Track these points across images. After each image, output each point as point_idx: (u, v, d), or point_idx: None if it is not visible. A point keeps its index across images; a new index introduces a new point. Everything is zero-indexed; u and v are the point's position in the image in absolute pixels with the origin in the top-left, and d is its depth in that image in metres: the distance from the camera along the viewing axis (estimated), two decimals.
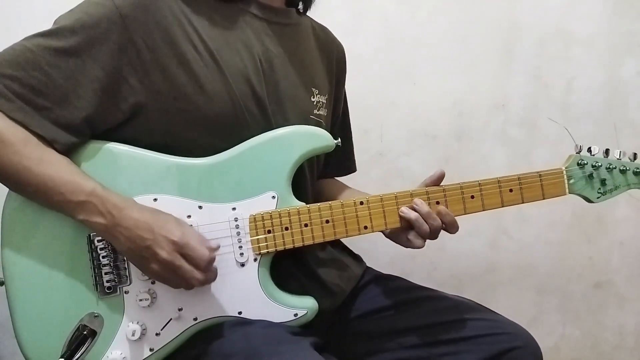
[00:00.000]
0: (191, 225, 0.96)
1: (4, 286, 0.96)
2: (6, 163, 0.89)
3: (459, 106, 1.81)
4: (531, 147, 1.83)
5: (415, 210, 1.03)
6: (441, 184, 1.06)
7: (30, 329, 0.95)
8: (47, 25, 0.95)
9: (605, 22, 1.81)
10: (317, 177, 1.22)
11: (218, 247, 0.96)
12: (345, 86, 1.33)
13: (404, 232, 1.06)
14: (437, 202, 1.04)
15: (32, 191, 0.91)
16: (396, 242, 1.10)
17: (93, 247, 0.95)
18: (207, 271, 0.93)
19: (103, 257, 0.95)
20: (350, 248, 1.27)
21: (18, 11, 1.57)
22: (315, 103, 1.13)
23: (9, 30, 1.55)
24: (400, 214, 1.03)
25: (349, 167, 1.38)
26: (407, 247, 1.07)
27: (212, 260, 0.93)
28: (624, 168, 1.10)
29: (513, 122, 1.83)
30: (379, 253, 1.63)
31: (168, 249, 0.89)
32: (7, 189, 0.96)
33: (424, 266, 1.84)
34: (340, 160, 1.33)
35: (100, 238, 0.95)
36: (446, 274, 1.87)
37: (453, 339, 1.09)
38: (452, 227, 1.05)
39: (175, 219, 0.93)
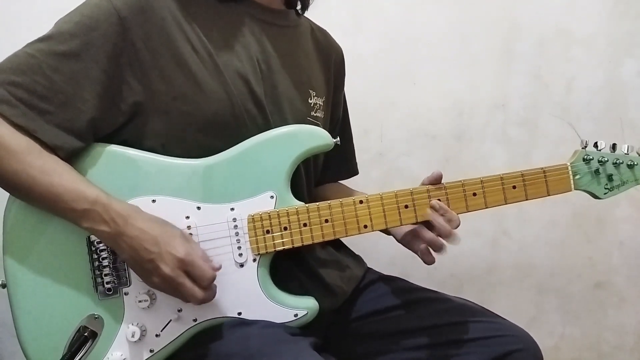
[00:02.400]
0: (189, 226, 0.97)
1: (6, 288, 0.96)
2: (9, 171, 0.89)
3: (459, 106, 1.81)
4: (531, 147, 1.83)
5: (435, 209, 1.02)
6: (442, 182, 1.05)
7: (32, 331, 0.96)
8: (47, 25, 0.95)
9: (605, 22, 1.81)
10: (319, 181, 1.22)
11: (220, 267, 0.96)
12: (346, 86, 1.33)
13: (418, 240, 1.06)
14: (439, 200, 1.04)
15: (35, 199, 0.92)
16: (408, 248, 1.10)
17: (93, 249, 0.95)
18: (209, 290, 0.93)
19: (103, 258, 0.95)
20: (351, 248, 1.27)
21: (18, 11, 1.57)
22: (312, 105, 1.13)
23: (9, 30, 1.55)
24: (429, 211, 1.03)
25: (351, 169, 1.38)
26: (420, 258, 1.07)
27: (214, 278, 0.93)
28: (632, 163, 1.08)
29: (513, 122, 1.83)
30: (379, 254, 1.63)
31: (172, 265, 0.89)
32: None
33: (424, 266, 1.82)
34: (341, 163, 1.33)
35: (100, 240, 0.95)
36: (446, 274, 1.87)
37: (454, 340, 1.08)
38: (450, 222, 1.03)
39: (182, 234, 0.93)
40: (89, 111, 0.93)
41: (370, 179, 1.78)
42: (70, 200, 0.89)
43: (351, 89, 1.36)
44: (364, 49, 1.76)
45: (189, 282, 0.90)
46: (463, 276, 1.88)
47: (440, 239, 1.03)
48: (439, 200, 1.03)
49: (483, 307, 1.16)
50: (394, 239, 1.14)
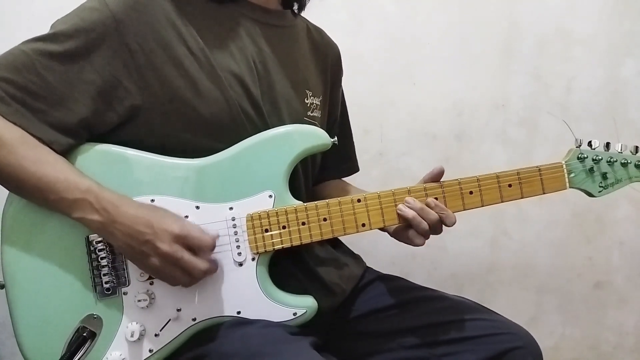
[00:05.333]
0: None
1: (4, 289, 0.96)
2: (3, 163, 0.90)
3: (459, 106, 1.81)
4: (531, 147, 1.83)
5: (409, 207, 1.02)
6: (440, 180, 1.05)
7: (30, 331, 0.96)
8: (46, 25, 0.95)
9: (605, 22, 1.81)
10: (319, 178, 1.22)
11: (217, 236, 0.96)
12: (346, 86, 1.33)
13: (405, 230, 1.05)
14: (436, 198, 1.03)
15: (28, 190, 0.92)
16: (400, 240, 1.09)
17: (92, 248, 0.95)
18: (209, 260, 0.93)
19: (102, 258, 0.95)
20: (351, 248, 1.27)
21: (18, 11, 1.57)
22: (308, 105, 1.14)
23: (9, 30, 1.55)
24: (398, 211, 1.03)
25: (351, 167, 1.38)
26: (410, 245, 1.07)
27: (214, 246, 0.93)
28: (625, 161, 1.09)
29: (513, 122, 1.83)
30: (379, 253, 1.63)
31: (169, 241, 0.89)
32: (7, 193, 0.96)
33: (424, 266, 1.84)
34: (342, 161, 1.33)
35: (99, 239, 0.95)
36: (446, 274, 1.87)
37: (453, 339, 1.08)
38: (446, 219, 1.02)
39: (173, 214, 0.94)
40: (81, 111, 0.94)
41: (370, 179, 1.78)
42: (61, 190, 0.89)
43: (351, 89, 1.36)
44: (364, 48, 1.76)
45: (188, 254, 0.90)
46: (463, 276, 1.88)
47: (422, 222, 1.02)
48: (435, 198, 1.03)
49: (482, 305, 1.16)
50: (390, 236, 1.14)
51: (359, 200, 1.03)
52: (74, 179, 0.90)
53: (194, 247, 0.91)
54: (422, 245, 1.04)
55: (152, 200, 0.96)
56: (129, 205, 0.91)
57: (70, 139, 0.94)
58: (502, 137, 1.83)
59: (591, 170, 1.09)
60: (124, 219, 0.89)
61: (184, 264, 0.90)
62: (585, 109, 1.83)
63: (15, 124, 0.90)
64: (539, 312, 1.92)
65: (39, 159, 0.90)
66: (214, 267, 0.95)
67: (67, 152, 0.95)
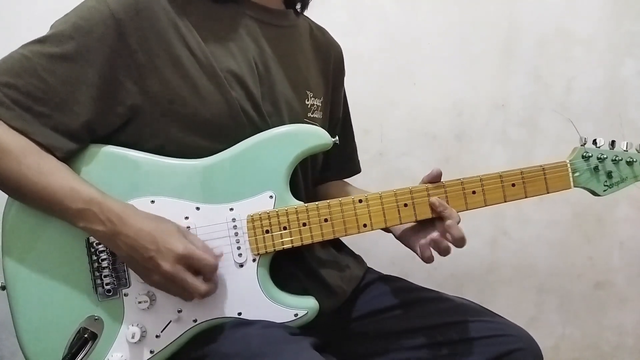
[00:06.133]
0: (188, 227, 0.96)
1: (5, 290, 0.96)
2: (5, 171, 0.89)
3: (459, 106, 1.81)
4: (531, 147, 1.83)
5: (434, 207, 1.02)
6: (441, 180, 1.05)
7: (31, 333, 0.95)
8: (46, 25, 0.95)
9: (605, 22, 1.81)
10: (321, 179, 1.22)
11: (221, 255, 0.96)
12: (346, 86, 1.33)
13: (418, 237, 1.06)
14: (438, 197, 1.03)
15: (31, 199, 0.91)
16: (406, 245, 1.09)
17: (92, 250, 0.95)
18: (211, 282, 0.93)
19: (102, 260, 0.95)
20: (351, 248, 1.26)
21: (18, 11, 1.57)
22: (309, 106, 1.13)
23: (9, 30, 1.55)
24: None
25: (353, 168, 1.38)
26: (419, 254, 1.07)
27: (217, 267, 0.93)
28: (631, 160, 1.07)
29: (513, 122, 1.83)
30: (379, 253, 1.63)
31: (172, 261, 0.88)
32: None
33: (424, 266, 1.82)
34: (343, 161, 1.33)
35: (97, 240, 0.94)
36: (446, 274, 1.87)
37: (454, 340, 1.08)
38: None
39: (178, 229, 0.93)
40: (84, 114, 0.93)
41: (370, 179, 1.77)
42: (65, 200, 0.89)
43: (351, 89, 1.35)
44: (364, 49, 1.76)
45: (191, 276, 0.90)
46: (463, 276, 1.88)
47: (445, 240, 1.02)
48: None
49: (483, 307, 1.16)
50: (394, 237, 1.14)
51: (360, 201, 1.02)
52: (76, 189, 0.90)
53: (196, 269, 0.91)
54: (431, 261, 1.05)
55: (152, 202, 0.96)
56: (134, 217, 0.90)
57: (73, 144, 0.94)
58: (502, 137, 1.83)
59: (596, 169, 1.07)
60: (128, 232, 0.89)
61: (185, 285, 0.90)
62: (585, 109, 1.83)
63: (18, 129, 0.89)
64: (539, 312, 1.93)
65: (42, 169, 0.89)
66: (214, 289, 0.95)
67: (70, 157, 0.95)
